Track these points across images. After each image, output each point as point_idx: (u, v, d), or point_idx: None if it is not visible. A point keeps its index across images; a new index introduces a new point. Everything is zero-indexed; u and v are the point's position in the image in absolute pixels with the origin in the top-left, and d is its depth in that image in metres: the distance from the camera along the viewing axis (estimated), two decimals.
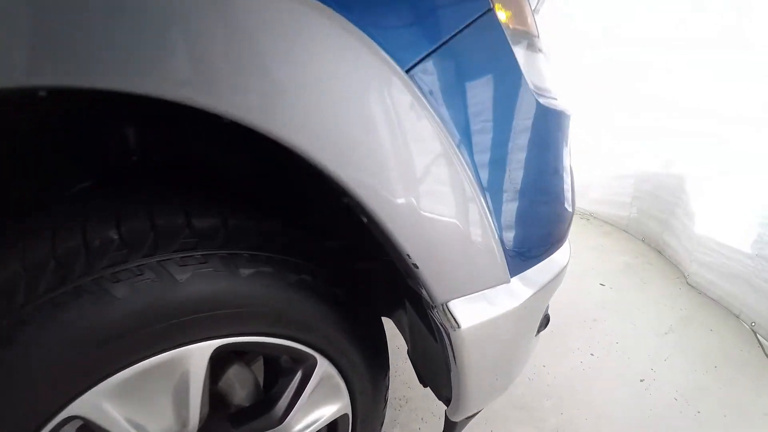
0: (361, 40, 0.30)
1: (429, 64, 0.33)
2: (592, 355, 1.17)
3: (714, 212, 1.48)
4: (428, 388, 0.62)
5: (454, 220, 0.36)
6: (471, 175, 0.36)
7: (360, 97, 0.31)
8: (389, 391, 0.63)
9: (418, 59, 0.33)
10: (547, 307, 0.58)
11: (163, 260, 0.35)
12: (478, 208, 0.37)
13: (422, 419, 0.95)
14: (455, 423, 0.57)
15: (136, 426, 0.37)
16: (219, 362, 0.46)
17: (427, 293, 0.38)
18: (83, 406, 0.34)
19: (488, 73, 0.37)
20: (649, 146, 1.87)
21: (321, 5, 0.29)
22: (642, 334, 1.28)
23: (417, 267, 0.36)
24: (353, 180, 0.31)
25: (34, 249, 0.34)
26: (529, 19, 0.43)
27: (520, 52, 0.40)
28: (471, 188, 0.36)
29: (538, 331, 0.55)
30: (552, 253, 0.48)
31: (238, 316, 0.39)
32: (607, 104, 2.08)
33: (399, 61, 0.32)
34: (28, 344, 0.31)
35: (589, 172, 2.20)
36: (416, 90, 0.33)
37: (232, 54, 0.27)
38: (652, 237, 1.88)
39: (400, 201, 0.33)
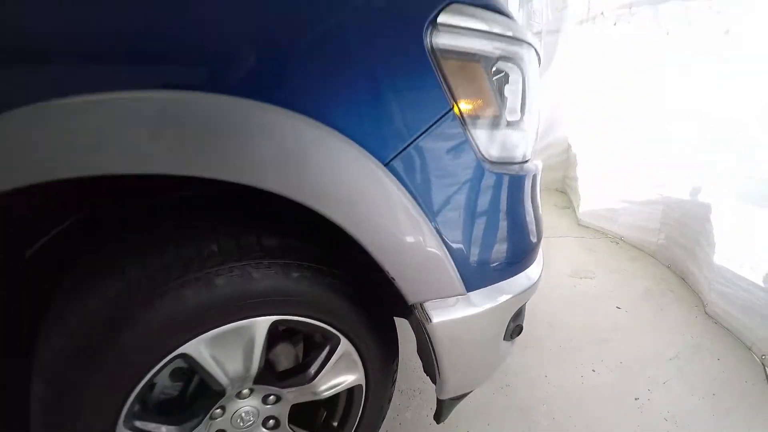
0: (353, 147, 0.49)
1: (402, 157, 0.51)
2: (593, 371, 1.28)
3: (733, 243, 1.51)
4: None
5: (420, 256, 0.56)
6: (432, 227, 0.55)
7: (357, 183, 0.50)
8: (401, 379, 0.81)
9: (393, 156, 0.51)
10: (520, 318, 0.73)
11: (245, 265, 0.56)
12: (438, 247, 0.55)
13: (431, 408, 1.11)
14: (443, 401, 0.75)
15: (219, 364, 0.58)
16: (273, 339, 0.66)
17: (404, 296, 0.56)
18: (190, 347, 0.55)
19: (447, 156, 0.54)
20: (678, 174, 1.91)
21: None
22: (648, 356, 1.36)
23: (394, 279, 0.56)
24: (356, 232, 0.52)
25: (167, 253, 0.56)
26: (492, 108, 0.58)
27: (481, 134, 0.56)
28: (432, 234, 0.55)
29: (511, 338, 0.71)
30: (512, 276, 0.64)
31: (288, 302, 0.59)
32: (638, 131, 2.13)
33: (380, 158, 0.50)
34: (167, 307, 0.53)
35: (620, 198, 2.24)
36: (393, 177, 0.51)
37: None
38: (677, 264, 1.91)
39: (386, 242, 0.53)
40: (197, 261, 0.55)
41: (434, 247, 0.55)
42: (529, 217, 0.67)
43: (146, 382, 0.55)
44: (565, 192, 3.20)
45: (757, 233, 1.43)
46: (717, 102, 1.76)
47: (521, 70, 0.60)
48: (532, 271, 0.70)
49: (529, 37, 0.62)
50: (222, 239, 0.57)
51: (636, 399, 1.18)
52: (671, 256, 1.96)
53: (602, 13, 2.42)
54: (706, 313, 1.60)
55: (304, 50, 0.46)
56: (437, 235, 0.54)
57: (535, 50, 0.64)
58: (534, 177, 0.67)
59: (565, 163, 3.22)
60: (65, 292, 0.57)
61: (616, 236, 2.31)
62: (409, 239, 0.54)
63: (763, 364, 1.34)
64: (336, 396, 0.74)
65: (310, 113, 0.46)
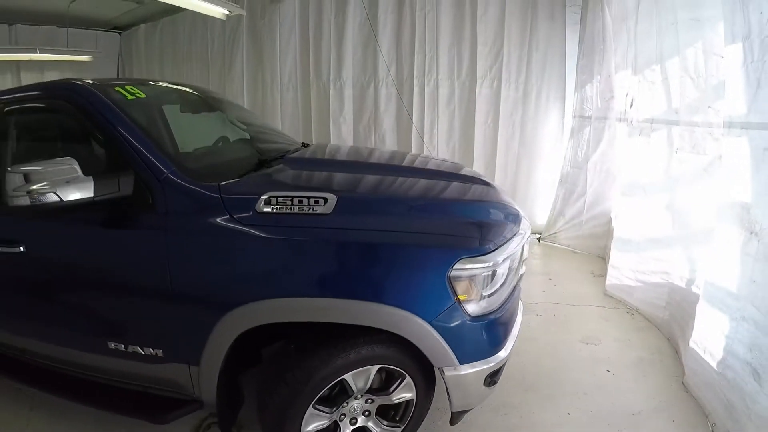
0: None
1: (435, 320, 1.25)
2: (568, 414, 1.89)
3: (702, 329, 1.98)
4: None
5: (440, 353, 1.29)
6: (445, 344, 1.27)
7: (418, 329, 1.27)
8: (435, 398, 1.56)
9: (432, 319, 1.24)
10: (498, 375, 1.43)
11: (361, 348, 1.34)
12: (447, 350, 1.28)
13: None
14: (453, 413, 1.48)
15: (355, 383, 1.38)
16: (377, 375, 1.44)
17: (432, 363, 1.32)
18: (345, 377, 1.36)
19: (453, 318, 1.26)
20: (682, 259, 2.35)
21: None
22: (615, 410, 1.91)
23: (428, 357, 1.32)
24: (416, 343, 1.29)
25: (329, 349, 1.38)
26: (474, 296, 1.29)
27: (471, 305, 1.28)
28: (445, 346, 1.27)
29: (488, 385, 1.41)
30: (485, 359, 1.35)
31: (384, 360, 1.37)
32: (656, 220, 2.62)
33: (427, 320, 1.24)
34: (337, 363, 1.34)
35: (635, 277, 2.74)
36: (433, 328, 1.25)
37: None
38: (674, 338, 2.37)
39: (426, 348, 1.29)
40: (345, 348, 1.33)
41: (445, 349, 1.28)
42: (498, 333, 1.38)
43: (323, 393, 1.35)
44: (604, 260, 3.65)
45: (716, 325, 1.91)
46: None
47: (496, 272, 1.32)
48: (500, 355, 1.40)
49: (507, 251, 1.34)
50: (352, 341, 1.35)
51: None
52: (671, 330, 2.43)
53: (631, 122, 2.94)
54: (682, 382, 2.09)
55: (395, 277, 1.25)
56: (448, 346, 1.28)
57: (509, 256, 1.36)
58: (499, 319, 1.38)
59: (607, 234, 3.67)
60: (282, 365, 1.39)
61: (632, 308, 2.79)
62: (438, 349, 1.28)
63: (712, 430, 1.82)
64: (400, 403, 1.50)
65: (399, 305, 1.23)
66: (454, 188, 1.73)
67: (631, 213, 2.87)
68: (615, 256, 3.03)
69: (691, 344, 2.05)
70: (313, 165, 1.91)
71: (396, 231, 1.29)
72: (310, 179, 1.70)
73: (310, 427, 1.40)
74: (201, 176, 1.43)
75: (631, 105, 2.91)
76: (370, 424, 1.52)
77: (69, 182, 1.25)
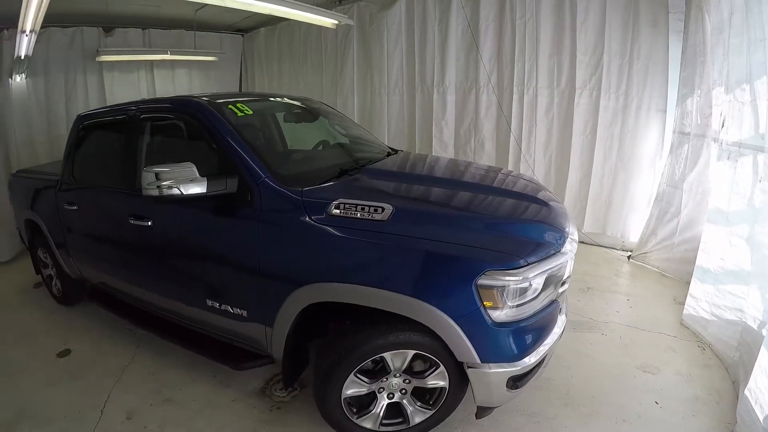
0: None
1: (461, 319, 1.44)
2: None
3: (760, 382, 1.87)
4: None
5: (465, 349, 1.49)
6: (471, 345, 1.46)
7: (445, 325, 1.48)
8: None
9: (458, 318, 1.44)
10: (525, 379, 1.57)
11: (401, 333, 1.59)
12: (470, 346, 1.47)
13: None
14: (478, 407, 1.65)
15: (393, 362, 1.64)
16: (413, 358, 1.67)
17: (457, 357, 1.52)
18: (384, 354, 1.62)
19: (477, 321, 1.45)
20: (757, 298, 2.17)
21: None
22: None
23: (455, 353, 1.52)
24: (445, 340, 1.50)
25: (373, 329, 1.64)
26: (497, 304, 1.44)
27: (496, 312, 1.44)
28: (470, 347, 1.46)
29: (510, 389, 1.55)
30: (515, 360, 1.49)
31: (420, 346, 1.59)
32: (737, 256, 2.43)
33: (453, 318, 1.45)
34: (377, 341, 1.60)
35: (710, 311, 2.56)
36: (458, 325, 1.45)
37: None
38: (740, 382, 2.22)
39: (454, 346, 1.50)
40: (386, 331, 1.58)
41: (468, 346, 1.46)
42: (525, 341, 1.52)
43: (364, 364, 1.62)
44: None
45: None
46: None
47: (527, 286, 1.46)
48: (525, 361, 1.53)
49: (541, 269, 1.47)
50: (393, 326, 1.59)
51: None
52: (738, 373, 2.26)
53: (721, 144, 2.70)
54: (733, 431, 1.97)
55: (429, 278, 1.46)
56: (470, 344, 1.46)
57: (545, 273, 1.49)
58: (527, 327, 1.52)
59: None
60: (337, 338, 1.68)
61: (705, 343, 2.62)
62: (461, 344, 1.46)
63: None
64: (434, 389, 1.72)
65: (429, 301, 1.45)
66: (506, 206, 1.86)
67: (714, 241, 2.67)
68: (695, 285, 2.83)
69: (746, 392, 1.93)
70: (386, 176, 2.16)
71: (436, 240, 1.49)
72: (378, 189, 1.95)
73: (350, 392, 1.69)
74: (289, 182, 1.81)
75: (722, 125, 2.69)
76: (404, 402, 1.76)
77: (191, 181, 1.69)
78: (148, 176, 1.67)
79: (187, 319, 2.26)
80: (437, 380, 1.69)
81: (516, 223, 1.70)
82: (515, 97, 4.33)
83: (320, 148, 2.68)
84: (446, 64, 4.58)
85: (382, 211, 1.56)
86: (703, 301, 2.71)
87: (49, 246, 3.04)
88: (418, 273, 1.46)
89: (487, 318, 1.43)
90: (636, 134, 3.97)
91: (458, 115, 4.71)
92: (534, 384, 1.75)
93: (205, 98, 2.17)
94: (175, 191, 1.65)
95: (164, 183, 1.66)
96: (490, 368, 1.49)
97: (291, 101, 2.97)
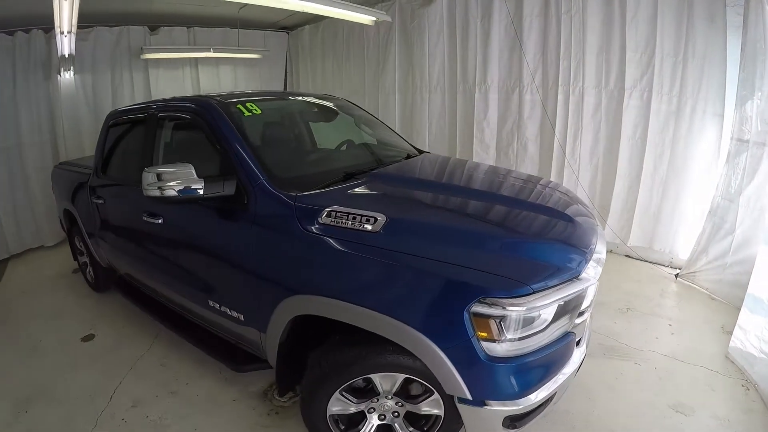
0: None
1: (450, 350, 1.29)
2: None
3: None
4: None
5: (453, 381, 1.32)
6: (459, 377, 1.30)
7: (433, 356, 1.34)
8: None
9: (447, 348, 1.29)
10: (521, 417, 1.42)
11: (391, 354, 1.46)
12: (459, 380, 1.31)
13: None
14: None
15: (381, 384, 1.55)
16: (406, 383, 1.57)
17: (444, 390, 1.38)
18: (371, 375, 1.53)
19: (467, 353, 1.28)
20: None
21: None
22: None
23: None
24: (431, 368, 1.36)
25: (361, 347, 1.55)
26: (492, 335, 1.25)
27: (493, 345, 1.27)
28: (459, 379, 1.30)
29: (510, 428, 1.39)
30: (514, 399, 1.32)
31: (410, 371, 1.48)
32: None
33: (442, 348, 1.30)
34: (366, 362, 1.51)
35: (759, 347, 2.25)
36: (446, 356, 1.30)
37: None
38: None
39: (440, 375, 1.35)
40: (373, 351, 1.48)
41: (457, 380, 1.31)
42: (529, 378, 1.35)
43: (351, 383, 1.53)
44: None
45: None
46: None
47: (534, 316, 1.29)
48: (528, 399, 1.35)
49: (552, 297, 1.28)
50: (381, 347, 1.47)
51: None
52: None
53: None
54: None
55: (418, 301, 1.33)
56: (460, 377, 1.31)
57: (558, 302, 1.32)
58: (531, 363, 1.34)
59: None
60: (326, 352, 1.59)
61: (750, 382, 2.31)
62: (449, 377, 1.31)
63: None
64: (429, 416, 1.60)
65: (415, 327, 1.32)
66: (520, 221, 1.65)
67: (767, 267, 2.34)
68: (744, 315, 2.51)
69: None
70: (394, 181, 2.02)
71: (428, 258, 1.33)
72: (379, 196, 1.84)
73: (335, 409, 1.62)
74: (286, 186, 1.76)
75: None
76: (396, 425, 1.66)
77: (188, 182, 1.68)
78: (148, 176, 1.68)
79: (197, 316, 2.30)
80: (431, 407, 1.55)
81: (528, 242, 1.49)
82: (560, 97, 3.98)
83: (344, 147, 2.60)
84: (488, 62, 4.31)
85: (375, 221, 1.45)
86: (752, 334, 2.38)
87: (82, 235, 3.22)
88: (404, 293, 1.35)
89: (480, 351, 1.26)
90: (690, 140, 3.57)
91: (501, 116, 4.43)
92: (548, 416, 1.57)
93: (218, 97, 2.17)
94: (172, 192, 1.64)
95: (164, 183, 1.67)
96: (482, 406, 1.33)
97: (314, 100, 2.93)
